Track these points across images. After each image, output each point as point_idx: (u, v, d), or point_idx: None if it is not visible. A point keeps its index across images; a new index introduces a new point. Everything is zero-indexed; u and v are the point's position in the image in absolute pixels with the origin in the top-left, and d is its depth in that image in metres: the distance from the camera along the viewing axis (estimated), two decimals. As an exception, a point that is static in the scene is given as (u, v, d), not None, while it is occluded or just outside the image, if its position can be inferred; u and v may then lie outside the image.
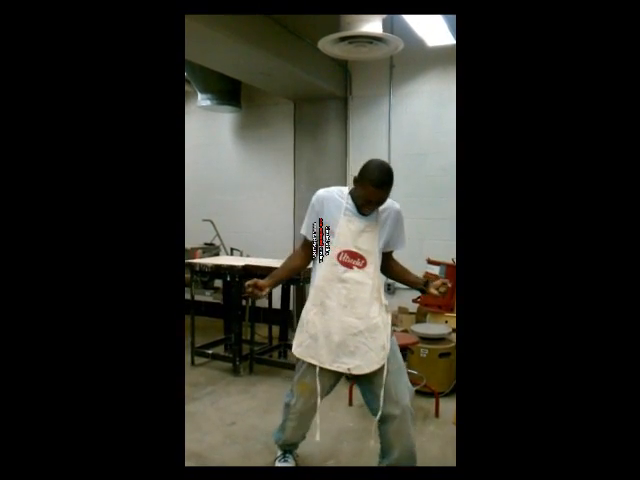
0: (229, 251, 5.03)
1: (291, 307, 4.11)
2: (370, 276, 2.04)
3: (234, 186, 5.34)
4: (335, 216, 2.04)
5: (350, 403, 3.15)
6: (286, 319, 4.11)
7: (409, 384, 2.10)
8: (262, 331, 4.25)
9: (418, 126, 4.45)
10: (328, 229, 2.05)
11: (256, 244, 4.98)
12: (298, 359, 2.12)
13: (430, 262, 3.82)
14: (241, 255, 4.90)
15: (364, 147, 4.68)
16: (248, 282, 2.08)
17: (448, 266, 3.75)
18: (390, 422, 2.01)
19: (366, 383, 2.05)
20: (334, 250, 2.03)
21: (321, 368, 2.03)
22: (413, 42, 3.78)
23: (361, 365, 1.99)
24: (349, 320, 2.00)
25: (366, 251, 2.04)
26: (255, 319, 3.98)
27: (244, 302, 4.16)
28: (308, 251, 2.12)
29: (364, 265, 2.03)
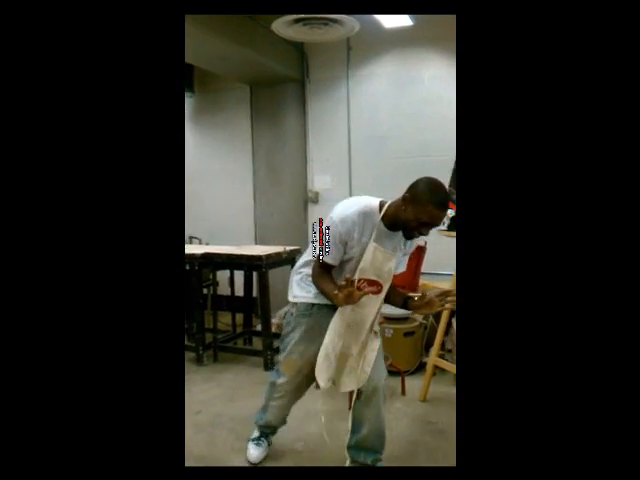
0: (188, 239, 4.93)
1: (254, 294, 4.06)
2: (380, 302, 1.99)
3: (190, 173, 5.16)
4: (364, 238, 1.87)
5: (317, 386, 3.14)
6: (250, 306, 4.06)
7: (384, 367, 2.12)
8: (225, 319, 4.19)
9: (377, 109, 4.45)
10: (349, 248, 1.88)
11: (215, 231, 4.88)
12: (282, 336, 2.14)
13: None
14: (200, 243, 4.81)
15: (324, 131, 4.66)
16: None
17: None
18: (365, 398, 2.04)
19: None
20: (355, 277, 1.87)
21: (306, 348, 2.03)
22: (370, 24, 3.76)
23: (346, 382, 2.03)
24: (347, 340, 1.98)
25: (385, 279, 1.95)
26: (218, 307, 3.92)
27: (205, 290, 4.09)
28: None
29: (379, 291, 1.96)
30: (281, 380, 2.15)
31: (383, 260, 1.91)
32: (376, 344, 2.02)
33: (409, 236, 1.90)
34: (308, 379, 2.13)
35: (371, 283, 1.93)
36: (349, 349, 1.99)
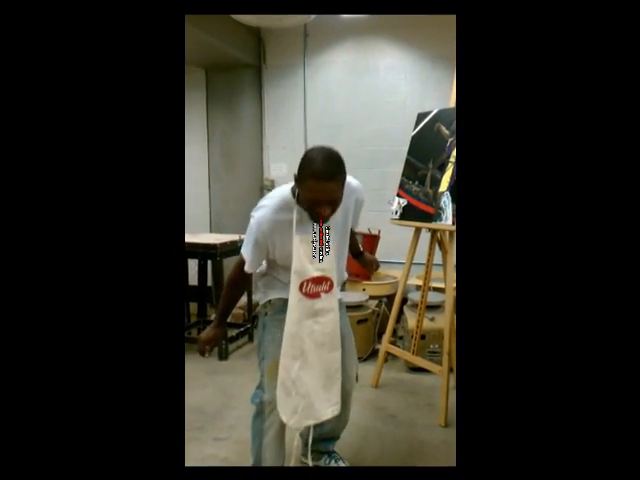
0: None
1: (209, 283, 4.03)
2: (337, 297, 1.76)
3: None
4: (287, 240, 1.63)
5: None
6: (204, 295, 4.03)
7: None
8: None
9: (333, 97, 4.45)
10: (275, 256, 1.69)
11: (170, 219, 4.79)
12: (259, 342, 1.85)
13: (347, 232, 3.88)
14: (154, 231, 4.71)
15: (280, 118, 4.63)
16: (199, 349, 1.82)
17: (365, 235, 3.84)
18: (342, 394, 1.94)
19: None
20: (295, 283, 1.63)
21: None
22: (326, 11, 3.74)
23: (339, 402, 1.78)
24: (330, 357, 1.72)
25: (329, 270, 1.69)
26: (171, 296, 3.86)
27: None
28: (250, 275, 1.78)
29: (330, 287, 1.70)
30: (267, 397, 1.76)
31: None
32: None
33: (315, 220, 1.62)
34: None
35: (317, 281, 1.67)
36: (336, 362, 1.75)
